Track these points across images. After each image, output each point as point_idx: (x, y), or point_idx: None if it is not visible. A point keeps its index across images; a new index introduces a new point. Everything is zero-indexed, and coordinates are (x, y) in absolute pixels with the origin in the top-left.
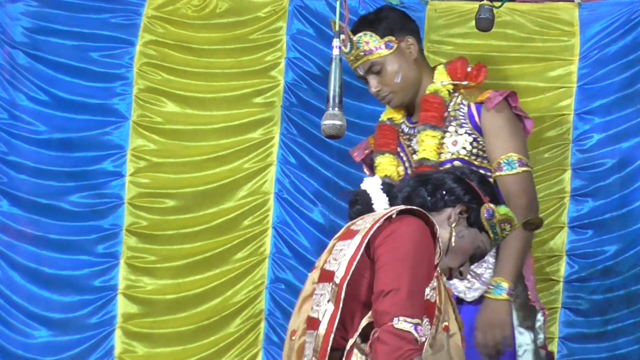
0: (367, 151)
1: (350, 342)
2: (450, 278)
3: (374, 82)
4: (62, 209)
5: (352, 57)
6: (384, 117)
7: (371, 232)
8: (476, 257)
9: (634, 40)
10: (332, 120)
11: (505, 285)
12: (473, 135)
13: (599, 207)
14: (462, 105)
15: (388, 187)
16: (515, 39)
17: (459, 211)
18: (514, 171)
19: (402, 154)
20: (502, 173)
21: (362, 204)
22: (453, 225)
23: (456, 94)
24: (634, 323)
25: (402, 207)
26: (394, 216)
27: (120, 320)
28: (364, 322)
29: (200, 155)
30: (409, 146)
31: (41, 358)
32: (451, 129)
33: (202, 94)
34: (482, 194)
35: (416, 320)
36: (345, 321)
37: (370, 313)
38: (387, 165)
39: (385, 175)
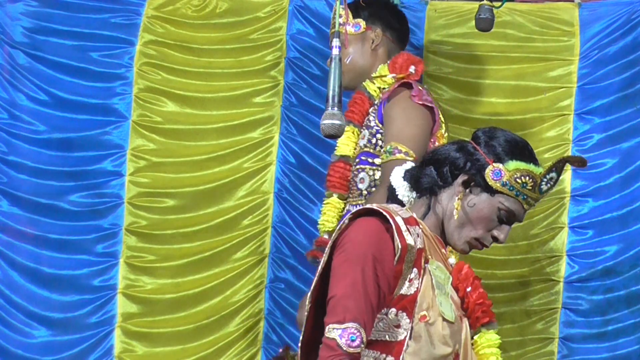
0: None
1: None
2: (477, 247)
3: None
4: (62, 208)
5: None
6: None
7: (331, 242)
8: (509, 219)
9: (634, 41)
10: (331, 119)
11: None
12: (376, 128)
13: (599, 208)
14: (375, 104)
15: (410, 175)
16: (515, 39)
17: (461, 182)
18: (386, 160)
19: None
20: (377, 161)
21: (390, 196)
22: (458, 197)
23: (385, 90)
24: (635, 323)
25: (358, 209)
26: (346, 221)
27: (120, 319)
28: None
29: (199, 155)
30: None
31: (41, 357)
32: (365, 124)
33: (202, 94)
34: (487, 156)
35: (346, 325)
36: None
37: None
38: (345, 139)
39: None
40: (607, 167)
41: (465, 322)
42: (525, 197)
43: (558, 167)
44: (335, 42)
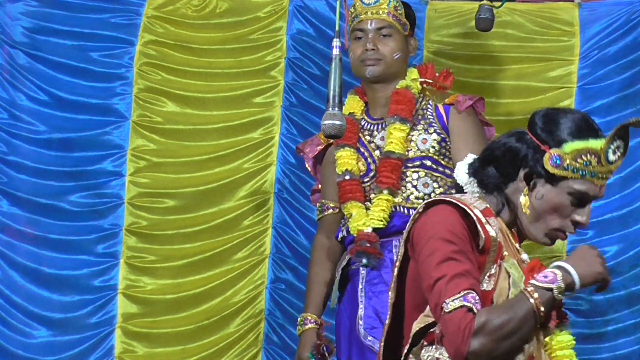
0: (319, 147)
1: (406, 349)
2: (560, 238)
3: (372, 42)
4: (62, 208)
5: (372, 9)
6: (344, 111)
7: (406, 234)
8: (584, 200)
9: (634, 41)
10: (331, 120)
11: None
12: (442, 136)
13: (599, 208)
14: (429, 106)
15: (473, 171)
16: (515, 39)
17: (523, 176)
18: None
19: (362, 149)
20: (449, 172)
21: (457, 192)
22: (523, 193)
23: (421, 95)
24: (635, 323)
25: (431, 199)
26: (420, 210)
27: (120, 320)
28: (415, 327)
29: (200, 155)
30: (370, 142)
31: (41, 358)
32: (420, 127)
33: (202, 94)
34: (543, 143)
35: (463, 293)
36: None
37: (419, 317)
38: (348, 159)
39: (346, 170)
40: None
41: None
42: (593, 174)
43: (619, 134)
44: (335, 42)
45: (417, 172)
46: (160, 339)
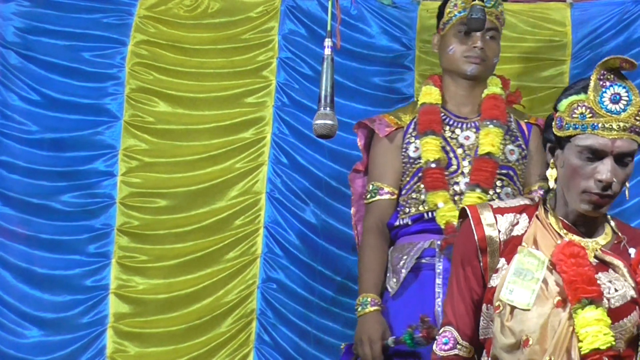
0: (388, 129)
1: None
2: (597, 201)
3: (482, 41)
4: (54, 208)
5: (488, 8)
6: (422, 99)
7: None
8: (597, 155)
9: (626, 41)
10: (323, 119)
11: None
12: (525, 152)
13: None
14: (511, 119)
15: None
16: (507, 39)
17: (548, 150)
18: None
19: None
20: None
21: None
22: (550, 167)
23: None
24: None
25: (462, 207)
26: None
27: (112, 319)
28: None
29: (191, 155)
30: (451, 137)
31: (33, 358)
32: (507, 137)
33: (194, 94)
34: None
35: (442, 330)
36: None
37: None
38: (436, 147)
39: (435, 159)
40: None
41: (562, 307)
42: (593, 126)
43: (608, 78)
44: (327, 42)
45: (502, 180)
46: (152, 338)
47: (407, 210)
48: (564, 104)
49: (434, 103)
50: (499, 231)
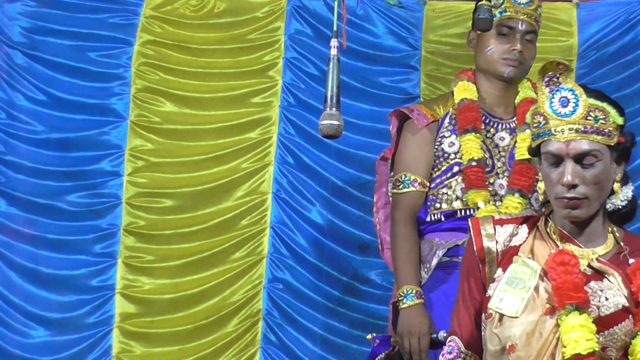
0: (427, 121)
1: None
2: (570, 206)
3: (521, 43)
4: (60, 208)
5: (524, 9)
6: (461, 94)
7: None
8: (557, 160)
9: (632, 40)
10: (329, 120)
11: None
12: None
13: None
14: None
15: None
16: None
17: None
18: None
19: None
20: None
21: None
22: (540, 177)
23: None
24: None
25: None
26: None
27: (118, 319)
28: None
29: (198, 155)
30: (487, 137)
31: (39, 358)
32: None
33: (200, 94)
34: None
35: (447, 340)
36: None
37: None
38: (477, 145)
39: (472, 159)
40: None
41: (550, 314)
42: (548, 132)
43: (549, 83)
44: (334, 42)
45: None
46: (158, 338)
47: (437, 205)
48: (528, 115)
49: (467, 98)
50: (497, 242)
